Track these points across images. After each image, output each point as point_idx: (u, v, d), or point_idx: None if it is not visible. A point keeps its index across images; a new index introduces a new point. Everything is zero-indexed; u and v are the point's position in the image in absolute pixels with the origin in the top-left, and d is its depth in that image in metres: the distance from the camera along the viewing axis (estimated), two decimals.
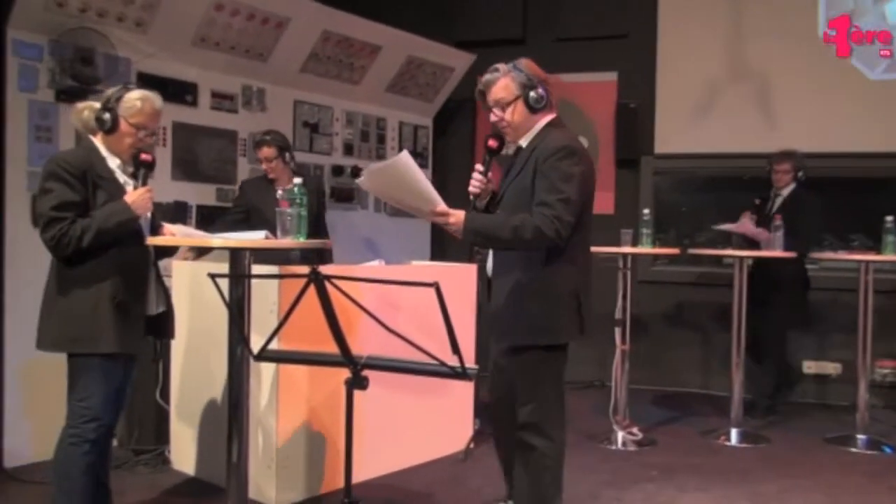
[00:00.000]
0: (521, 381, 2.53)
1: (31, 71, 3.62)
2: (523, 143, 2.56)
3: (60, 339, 2.45)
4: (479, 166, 2.54)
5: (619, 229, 4.20)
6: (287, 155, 4.19)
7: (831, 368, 5.37)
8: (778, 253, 4.32)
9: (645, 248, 4.24)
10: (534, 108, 2.49)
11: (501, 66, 2.53)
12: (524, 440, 2.55)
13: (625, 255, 4.23)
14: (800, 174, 4.71)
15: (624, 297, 4.26)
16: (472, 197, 2.54)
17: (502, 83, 2.50)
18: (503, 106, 2.50)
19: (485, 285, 2.63)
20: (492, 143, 2.57)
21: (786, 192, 4.75)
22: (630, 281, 4.30)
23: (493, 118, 2.53)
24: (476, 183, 2.52)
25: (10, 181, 3.56)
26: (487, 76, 2.54)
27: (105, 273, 2.46)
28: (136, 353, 2.59)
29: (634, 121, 5.84)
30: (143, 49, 4.00)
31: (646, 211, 4.35)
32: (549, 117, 2.55)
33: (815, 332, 5.47)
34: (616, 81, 6.01)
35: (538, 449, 2.52)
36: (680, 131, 5.75)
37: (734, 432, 4.32)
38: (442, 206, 2.33)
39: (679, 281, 5.69)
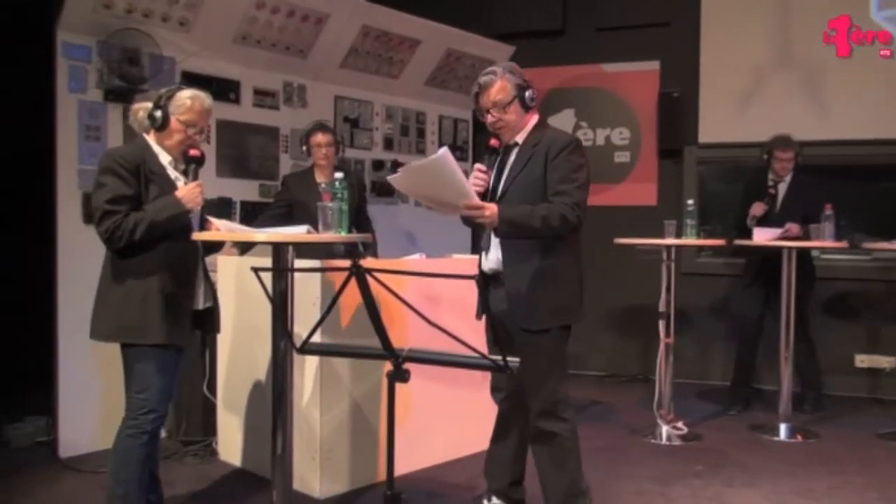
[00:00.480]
0: (539, 363, 2.57)
1: (80, 72, 3.71)
2: (518, 139, 2.67)
3: (112, 330, 2.53)
4: (480, 165, 2.64)
5: (662, 221, 4.13)
6: (340, 147, 4.26)
7: (885, 362, 5.22)
8: (830, 243, 4.21)
9: (689, 240, 4.16)
10: (527, 108, 2.64)
11: (497, 69, 2.63)
12: (544, 429, 2.64)
13: (668, 247, 4.16)
14: (799, 160, 4.58)
15: (668, 289, 4.19)
16: (486, 190, 2.62)
17: (499, 85, 2.60)
18: (502, 107, 2.60)
19: (481, 280, 2.61)
20: (494, 142, 2.67)
21: (788, 179, 4.61)
22: (674, 273, 4.23)
23: (490, 119, 2.62)
24: (479, 182, 2.60)
25: (62, 179, 3.66)
26: (485, 78, 2.62)
27: (155, 266, 2.52)
28: (183, 346, 2.64)
29: (677, 110, 5.74)
30: (187, 48, 4.07)
31: (690, 202, 4.27)
32: (536, 116, 2.72)
33: (867, 325, 5.33)
34: (658, 70, 5.91)
35: (559, 434, 2.63)
36: (724, 120, 5.63)
37: (783, 427, 4.23)
38: (476, 199, 2.42)
39: (724, 273, 5.58)
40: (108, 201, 2.47)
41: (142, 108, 2.69)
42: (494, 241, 2.64)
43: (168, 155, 2.64)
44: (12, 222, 4.52)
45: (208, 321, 2.75)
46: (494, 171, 2.69)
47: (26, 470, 3.48)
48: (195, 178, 2.63)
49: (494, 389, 2.88)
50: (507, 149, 2.67)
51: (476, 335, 2.01)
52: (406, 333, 2.80)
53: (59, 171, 3.66)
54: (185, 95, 2.63)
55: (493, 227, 2.47)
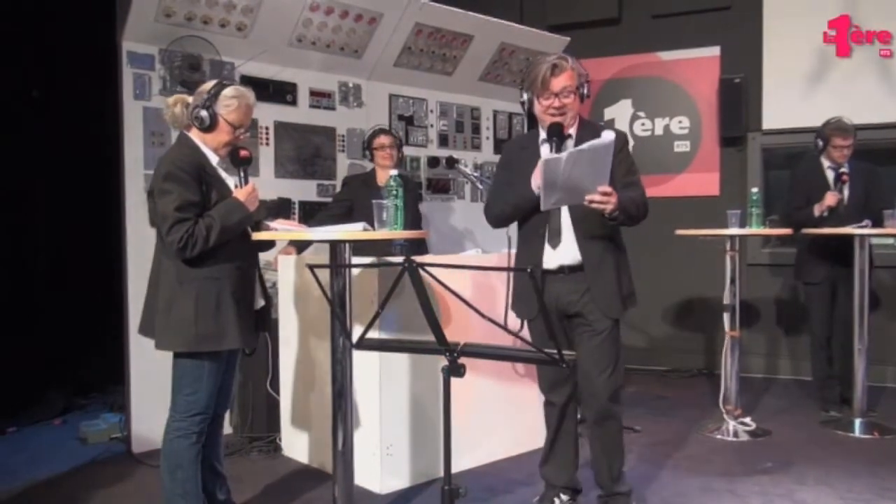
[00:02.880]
0: (612, 348, 2.68)
1: (144, 80, 3.84)
2: (571, 131, 2.67)
3: (189, 339, 2.46)
4: (551, 154, 2.57)
5: (726, 211, 4.00)
6: (401, 150, 4.40)
7: None
8: None
9: (754, 230, 4.02)
10: (582, 100, 2.66)
11: (565, 56, 2.65)
12: (610, 412, 2.73)
13: (732, 238, 4.03)
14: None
15: (732, 281, 4.06)
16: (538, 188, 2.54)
17: (571, 72, 2.61)
18: (569, 92, 2.60)
19: (538, 276, 2.59)
20: (564, 130, 2.63)
21: (846, 166, 4.36)
22: (739, 264, 4.10)
23: (556, 103, 2.59)
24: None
25: (129, 185, 3.79)
26: (559, 62, 2.60)
27: (224, 271, 2.51)
28: (254, 347, 2.67)
29: (739, 96, 5.57)
30: (245, 52, 4.16)
31: (754, 190, 4.12)
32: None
33: None
34: (719, 56, 5.74)
35: (616, 417, 2.76)
36: (790, 105, 5.44)
37: (858, 422, 4.05)
38: (607, 185, 2.44)
39: (792, 263, 5.40)
40: (178, 209, 2.41)
41: (179, 100, 2.61)
42: (568, 236, 2.63)
43: (215, 155, 2.61)
44: (83, 228, 4.72)
45: (262, 320, 2.76)
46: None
47: (102, 465, 3.63)
48: (247, 179, 2.62)
49: (553, 386, 2.81)
50: (560, 140, 2.63)
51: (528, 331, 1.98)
52: (466, 329, 2.80)
53: (126, 176, 3.79)
54: (230, 94, 2.56)
55: (613, 213, 2.49)
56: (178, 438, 2.55)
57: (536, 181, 2.52)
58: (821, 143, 4.39)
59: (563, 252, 2.65)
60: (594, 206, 2.47)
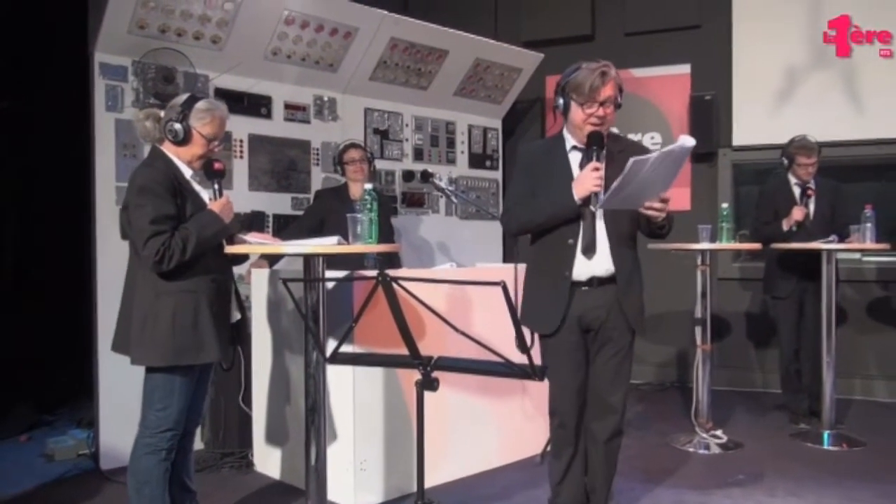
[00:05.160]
0: (629, 363, 2.66)
1: (116, 91, 3.80)
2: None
3: (167, 352, 2.44)
4: (596, 163, 2.47)
5: (697, 225, 4.06)
6: (372, 164, 4.39)
7: None
8: (871, 245, 4.11)
9: (725, 244, 4.08)
10: (616, 110, 2.57)
11: (611, 65, 2.53)
12: (622, 428, 2.69)
13: (703, 252, 4.09)
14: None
15: (703, 295, 4.12)
16: (592, 195, 2.46)
17: (614, 82, 2.51)
18: (611, 103, 2.51)
19: (566, 288, 2.53)
20: (602, 140, 2.53)
21: (812, 183, 4.45)
22: (710, 279, 4.16)
23: (600, 112, 2.49)
24: (599, 181, 2.45)
25: (100, 197, 3.75)
26: (609, 70, 2.50)
27: (200, 284, 2.50)
28: (229, 361, 2.65)
29: (710, 113, 5.67)
30: (220, 65, 4.15)
31: (724, 205, 4.19)
32: None
33: None
34: (689, 73, 5.84)
35: (623, 433, 2.71)
36: (759, 122, 5.54)
37: (826, 435, 4.12)
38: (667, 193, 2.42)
39: (762, 278, 5.48)
40: (153, 221, 2.40)
41: (150, 115, 2.60)
42: (603, 246, 2.53)
43: (189, 168, 2.60)
44: (52, 241, 4.66)
45: (238, 334, 2.75)
46: (578, 171, 2.57)
47: (69, 483, 3.56)
48: (221, 192, 2.62)
49: (571, 408, 2.67)
50: (600, 149, 2.52)
51: (507, 344, 1.99)
52: (440, 343, 2.80)
53: (97, 189, 3.74)
54: (204, 107, 2.56)
55: (662, 222, 2.48)
56: (147, 455, 2.51)
57: (586, 188, 2.44)
58: (786, 161, 4.48)
59: (597, 263, 2.54)
60: (650, 212, 2.41)
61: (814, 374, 4.38)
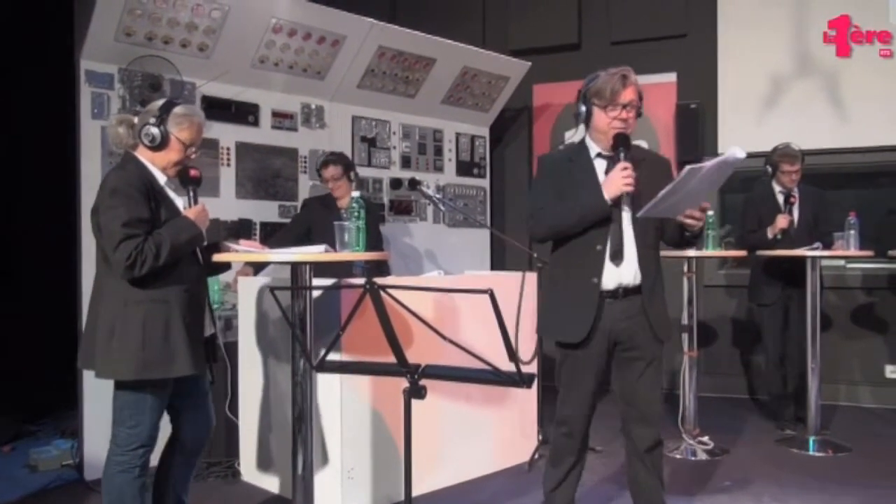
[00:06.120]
0: (660, 372, 2.62)
1: (102, 99, 3.79)
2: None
3: (135, 365, 2.34)
4: (625, 163, 2.45)
5: None
6: (352, 174, 4.31)
7: None
8: (855, 252, 4.15)
9: (710, 252, 4.11)
10: (638, 117, 2.57)
11: (631, 70, 2.54)
12: (658, 436, 2.66)
13: (689, 259, 4.12)
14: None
15: (690, 302, 4.14)
16: (622, 195, 2.45)
17: (634, 87, 2.51)
18: (633, 107, 2.51)
19: (595, 296, 2.49)
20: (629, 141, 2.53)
21: (795, 190, 4.50)
22: (696, 286, 4.19)
23: (623, 115, 2.48)
24: (629, 180, 2.43)
25: (86, 204, 3.72)
26: (630, 74, 2.51)
27: (172, 294, 2.41)
28: (203, 374, 2.58)
29: (696, 121, 5.71)
30: (207, 73, 4.14)
31: (710, 213, 4.22)
32: None
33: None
34: (675, 82, 5.89)
35: (662, 442, 2.69)
36: (744, 130, 5.59)
37: (812, 440, 4.14)
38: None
39: (747, 284, 5.53)
40: (125, 225, 2.31)
41: (123, 121, 2.54)
42: (630, 253, 2.50)
43: (163, 175, 2.53)
44: (37, 250, 4.62)
45: (212, 349, 2.66)
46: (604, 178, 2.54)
47: (53, 493, 3.52)
48: (196, 199, 2.56)
49: (580, 418, 2.63)
50: (626, 151, 2.50)
51: (495, 351, 2.00)
52: (428, 351, 2.80)
53: (82, 196, 3.72)
54: (181, 112, 2.50)
55: (698, 230, 2.49)
56: (119, 473, 2.43)
57: (616, 188, 2.42)
58: (770, 168, 4.52)
59: (625, 271, 2.50)
60: (688, 221, 2.42)
61: (799, 381, 4.41)
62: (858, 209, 4.24)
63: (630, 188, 2.42)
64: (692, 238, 2.55)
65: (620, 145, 2.48)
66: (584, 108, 2.55)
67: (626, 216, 2.50)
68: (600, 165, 2.57)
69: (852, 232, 4.11)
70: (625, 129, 2.49)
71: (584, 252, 2.51)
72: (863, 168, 5.41)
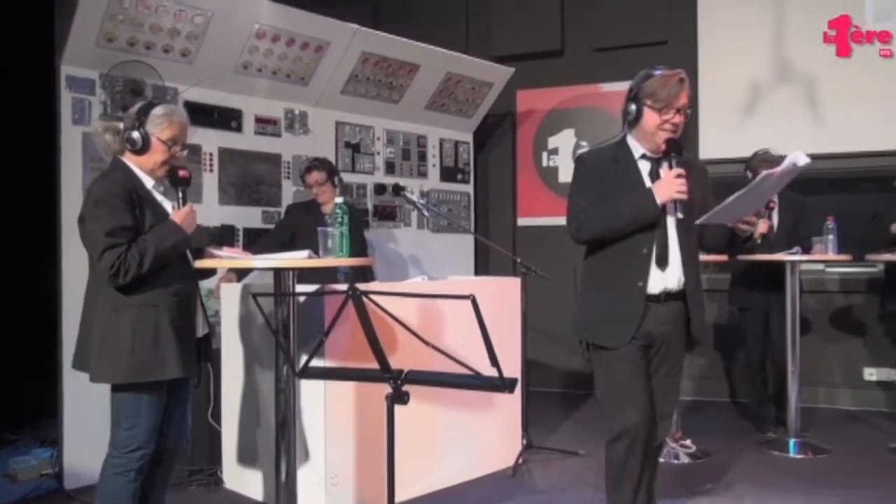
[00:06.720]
0: (680, 380, 2.60)
1: (83, 104, 3.76)
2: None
3: (126, 369, 2.38)
4: (679, 170, 2.41)
5: None
6: (336, 179, 4.32)
7: (894, 375, 5.17)
8: (833, 256, 4.21)
9: None
10: None
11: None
12: (664, 439, 2.64)
13: None
14: None
15: None
16: (675, 202, 2.41)
17: (687, 91, 2.47)
18: (684, 112, 2.46)
19: (641, 300, 2.43)
20: (681, 147, 2.51)
21: (774, 195, 4.55)
22: None
23: (676, 119, 2.43)
24: (683, 187, 2.39)
25: (66, 211, 3.69)
26: (686, 79, 2.47)
27: (161, 298, 2.44)
28: (195, 377, 2.60)
29: None
30: (189, 78, 4.12)
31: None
32: None
33: (874, 337, 5.30)
34: None
35: (664, 444, 2.74)
36: (724, 135, 5.65)
37: (792, 443, 4.19)
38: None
39: (728, 289, 5.58)
40: (108, 234, 2.34)
41: (108, 128, 2.56)
42: (675, 258, 2.44)
43: (149, 177, 2.54)
44: (15, 256, 4.56)
45: (204, 349, 2.68)
46: (650, 181, 2.49)
47: (33, 503, 3.48)
48: (185, 200, 2.56)
49: (640, 426, 2.44)
50: (655, 161, 2.49)
51: (478, 358, 2.00)
52: (413, 356, 2.81)
53: (63, 202, 3.69)
54: (160, 113, 2.51)
55: (750, 236, 2.50)
56: (115, 476, 2.44)
57: (668, 194, 2.37)
58: (750, 174, 4.57)
59: (670, 275, 2.44)
60: (743, 226, 2.44)
61: (779, 384, 4.46)
62: (836, 214, 4.30)
63: (683, 196, 2.37)
64: (744, 242, 2.54)
65: (672, 150, 2.43)
66: (634, 108, 2.47)
67: (671, 220, 2.44)
68: (644, 167, 2.50)
69: (831, 236, 4.17)
70: (675, 133, 2.44)
71: (630, 255, 2.44)
72: (840, 174, 5.49)
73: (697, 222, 2.42)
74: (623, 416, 2.43)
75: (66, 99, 3.71)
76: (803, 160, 2.18)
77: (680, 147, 2.45)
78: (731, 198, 2.29)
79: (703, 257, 4.28)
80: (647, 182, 2.47)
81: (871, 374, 5.28)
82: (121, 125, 2.55)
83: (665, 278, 2.44)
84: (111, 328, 2.40)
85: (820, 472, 3.83)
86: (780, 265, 4.25)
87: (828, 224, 4.19)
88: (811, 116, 5.45)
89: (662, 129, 2.43)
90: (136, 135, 2.48)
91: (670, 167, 2.43)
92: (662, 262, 2.43)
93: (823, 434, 4.49)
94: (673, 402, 2.62)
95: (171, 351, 2.43)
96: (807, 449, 4.17)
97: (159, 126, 2.51)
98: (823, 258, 4.34)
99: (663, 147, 2.44)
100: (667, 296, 2.46)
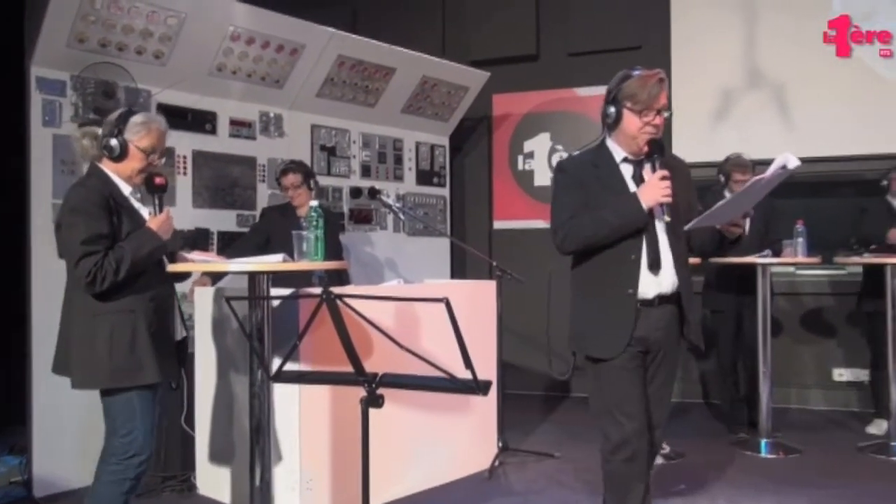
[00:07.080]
0: (673, 384, 2.60)
1: (54, 106, 3.71)
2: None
3: (103, 375, 2.39)
4: (664, 172, 2.36)
5: None
6: (311, 182, 4.30)
7: (863, 375, 5.26)
8: (803, 259, 4.28)
9: None
10: None
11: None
12: (658, 443, 2.59)
13: None
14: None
15: None
16: (662, 206, 2.35)
17: (667, 92, 2.42)
18: (663, 112, 2.41)
19: (632, 306, 2.38)
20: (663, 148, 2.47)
21: None
22: None
23: (657, 121, 2.39)
24: (668, 190, 2.33)
25: (36, 214, 3.64)
26: (665, 78, 2.42)
27: (138, 303, 2.44)
28: (175, 381, 2.60)
29: None
30: (163, 80, 4.08)
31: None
32: None
33: (844, 338, 5.39)
34: None
35: (658, 451, 2.70)
36: (696, 140, 5.71)
37: (764, 443, 4.24)
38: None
39: (701, 291, 5.65)
40: (85, 242, 2.35)
41: (86, 133, 2.57)
42: (667, 261, 2.39)
43: (127, 184, 2.55)
44: None
45: (182, 353, 2.69)
46: (634, 184, 2.44)
47: None
48: (161, 207, 2.56)
49: (635, 437, 2.38)
50: (637, 164, 2.45)
51: (454, 360, 2.01)
52: (388, 360, 2.81)
53: (32, 206, 3.64)
54: (139, 121, 2.53)
55: (738, 237, 2.49)
56: (111, 483, 2.40)
57: (654, 198, 2.32)
58: (723, 178, 4.64)
59: (663, 279, 2.39)
60: (733, 229, 2.43)
61: (751, 385, 4.52)
62: (805, 217, 4.38)
63: (669, 199, 2.31)
64: (731, 245, 2.54)
65: (655, 152, 2.39)
66: (613, 110, 2.41)
67: (660, 224, 2.39)
68: (627, 171, 2.46)
69: (800, 239, 4.24)
70: (657, 134, 2.40)
71: (618, 262, 2.39)
72: (809, 178, 5.56)
73: (686, 227, 2.41)
74: (620, 428, 2.38)
75: (37, 100, 3.66)
76: (794, 162, 2.17)
77: (662, 147, 2.41)
78: (721, 203, 2.31)
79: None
80: (631, 186, 2.42)
81: (841, 374, 5.37)
82: (99, 130, 2.55)
83: (659, 282, 2.39)
84: (89, 334, 2.41)
85: (791, 472, 3.88)
86: (752, 268, 4.32)
87: (797, 228, 4.27)
88: (782, 121, 5.54)
89: (644, 132, 2.39)
90: (114, 142, 2.49)
91: (654, 169, 2.38)
92: (655, 267, 2.37)
93: (795, 434, 4.56)
94: (666, 408, 2.54)
95: (147, 356, 2.43)
96: (778, 449, 4.23)
97: (137, 134, 2.52)
98: (794, 261, 4.41)
99: (645, 149, 2.40)
100: (660, 299, 2.41)
